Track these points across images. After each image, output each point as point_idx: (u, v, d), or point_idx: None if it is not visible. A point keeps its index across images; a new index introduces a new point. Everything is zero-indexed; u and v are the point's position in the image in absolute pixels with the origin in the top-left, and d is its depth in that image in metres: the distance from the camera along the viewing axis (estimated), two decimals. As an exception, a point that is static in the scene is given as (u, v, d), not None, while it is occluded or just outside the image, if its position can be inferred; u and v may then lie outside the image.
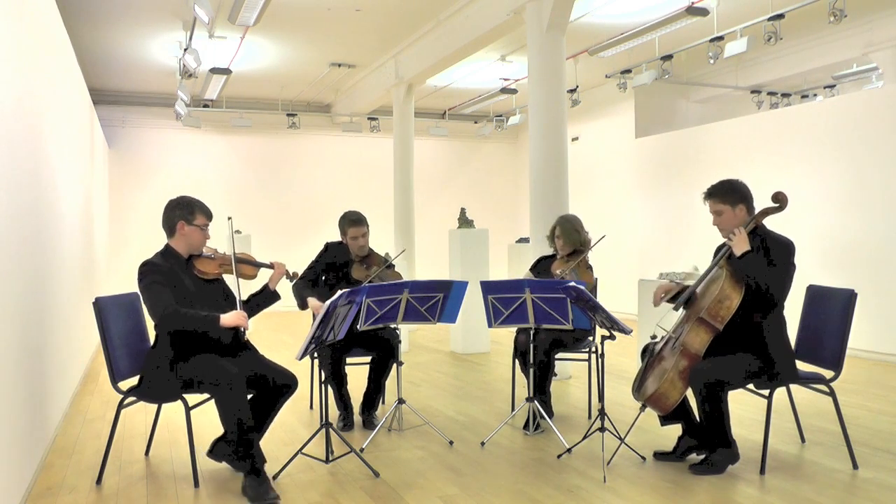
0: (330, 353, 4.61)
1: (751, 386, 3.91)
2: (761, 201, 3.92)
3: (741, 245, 3.71)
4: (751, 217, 3.84)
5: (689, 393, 3.83)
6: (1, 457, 3.06)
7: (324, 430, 3.95)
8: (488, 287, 4.42)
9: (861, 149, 7.94)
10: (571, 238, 5.03)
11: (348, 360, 4.87)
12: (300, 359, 3.75)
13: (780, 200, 3.81)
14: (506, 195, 15.53)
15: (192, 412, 3.74)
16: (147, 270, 3.69)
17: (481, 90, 12.64)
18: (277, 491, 3.51)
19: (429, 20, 9.23)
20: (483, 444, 4.42)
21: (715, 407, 3.71)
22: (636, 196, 11.56)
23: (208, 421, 3.63)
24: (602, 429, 4.02)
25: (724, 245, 3.92)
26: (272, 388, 3.82)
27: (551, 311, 4.24)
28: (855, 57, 9.76)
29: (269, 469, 3.82)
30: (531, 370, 4.54)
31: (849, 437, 3.96)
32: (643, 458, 4.04)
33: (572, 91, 10.93)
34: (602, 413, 4.09)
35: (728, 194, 3.86)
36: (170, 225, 3.84)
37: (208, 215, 3.89)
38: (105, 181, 11.53)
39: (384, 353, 4.83)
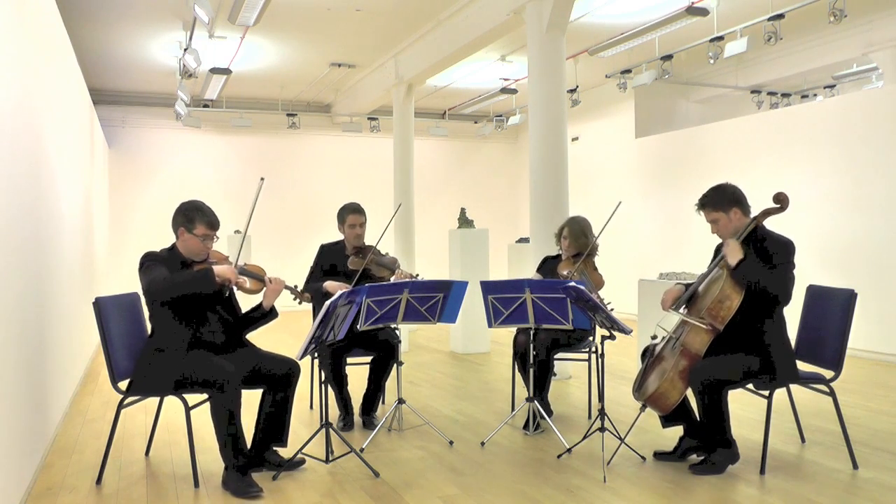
0: (330, 353, 4.61)
1: (751, 386, 3.91)
2: (762, 201, 3.92)
3: (734, 255, 3.69)
4: (751, 218, 3.84)
5: (690, 393, 3.83)
6: (1, 457, 3.06)
7: (324, 430, 3.95)
8: (488, 287, 4.42)
9: (861, 149, 7.94)
10: (578, 241, 5.03)
11: (348, 360, 4.87)
12: (300, 358, 3.76)
13: (781, 201, 3.80)
14: (506, 195, 15.53)
15: (192, 412, 3.74)
16: (148, 258, 3.73)
17: (481, 90, 12.64)
18: (278, 491, 3.50)
19: (429, 20, 9.23)
20: (483, 444, 4.42)
21: (715, 407, 3.71)
22: (636, 196, 11.55)
23: (208, 421, 3.62)
24: (602, 429, 4.02)
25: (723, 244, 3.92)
26: (277, 378, 3.85)
27: (551, 311, 4.24)
28: (855, 57, 9.77)
29: (269, 469, 3.83)
30: (531, 370, 4.54)
31: (849, 437, 3.96)
32: (643, 458, 4.04)
33: (572, 91, 10.93)
34: (602, 413, 4.09)
35: (718, 201, 3.85)
36: (174, 228, 3.85)
37: (211, 225, 3.79)
38: (105, 181, 11.53)
39: (384, 353, 4.83)
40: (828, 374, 3.89)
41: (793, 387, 4.07)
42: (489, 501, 3.46)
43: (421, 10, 8.86)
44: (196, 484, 3.67)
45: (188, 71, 9.34)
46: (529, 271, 5.65)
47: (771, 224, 3.85)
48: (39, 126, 4.46)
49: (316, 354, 4.85)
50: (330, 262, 5.03)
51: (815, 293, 4.21)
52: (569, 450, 4.19)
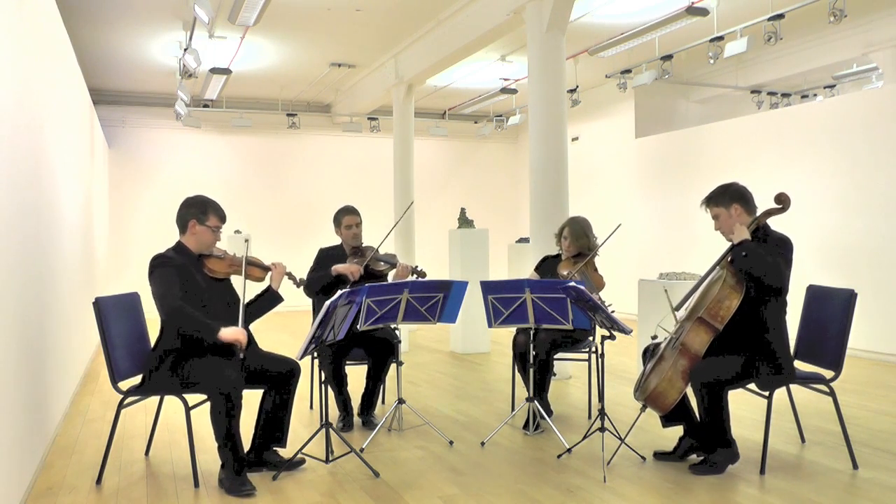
0: (330, 353, 4.61)
1: (751, 386, 3.91)
2: (762, 201, 3.93)
3: (740, 234, 3.73)
4: (753, 217, 3.85)
5: (690, 393, 3.83)
6: (1, 457, 3.06)
7: (324, 430, 3.95)
8: (488, 287, 4.42)
9: (861, 149, 7.94)
10: (579, 241, 5.03)
11: (348, 362, 4.87)
12: (300, 359, 3.77)
13: (783, 201, 3.82)
14: (506, 195, 15.53)
15: (192, 412, 3.75)
16: (159, 263, 3.75)
17: (481, 90, 12.64)
18: (277, 491, 3.51)
19: (429, 20, 9.23)
20: (483, 444, 4.42)
21: (714, 406, 3.71)
22: (636, 196, 11.55)
23: (208, 421, 3.63)
24: (602, 429, 4.02)
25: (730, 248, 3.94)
26: (278, 378, 3.86)
27: (551, 311, 4.24)
28: (855, 57, 9.76)
29: (269, 470, 3.83)
30: (531, 370, 4.54)
31: (849, 437, 3.96)
32: (643, 458, 4.04)
33: (572, 91, 10.93)
34: (602, 413, 4.09)
35: (721, 197, 3.89)
36: (183, 222, 3.89)
37: (221, 218, 3.93)
38: (105, 181, 11.53)
39: (384, 352, 4.83)
40: (828, 374, 3.89)
41: (793, 387, 4.08)
42: (489, 501, 3.46)
43: (421, 10, 8.86)
44: (196, 484, 3.67)
45: (188, 71, 9.34)
46: (529, 271, 5.65)
47: (771, 224, 3.86)
48: (40, 126, 4.46)
49: (316, 354, 4.85)
50: (329, 265, 5.03)
51: (815, 293, 4.21)
52: (569, 450, 4.19)
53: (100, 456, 3.95)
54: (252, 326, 4.12)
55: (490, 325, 4.46)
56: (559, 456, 4.15)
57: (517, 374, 5.18)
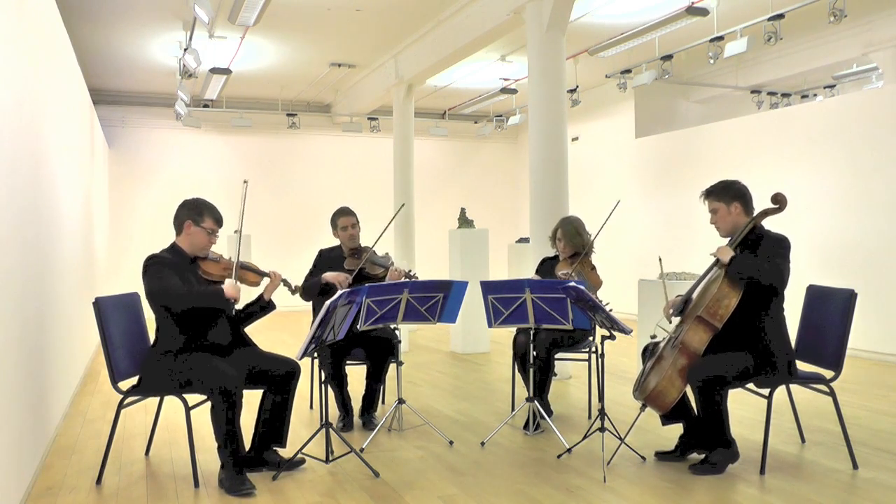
0: (330, 353, 4.61)
1: (751, 386, 3.91)
2: (761, 201, 3.93)
3: (726, 254, 3.76)
4: (750, 217, 3.86)
5: (690, 392, 3.83)
6: (1, 457, 3.06)
7: (324, 430, 3.95)
8: (488, 287, 4.42)
9: (861, 149, 7.94)
10: (573, 241, 5.03)
11: (348, 361, 4.87)
12: (300, 359, 3.77)
13: (779, 202, 3.83)
14: (506, 195, 15.53)
15: (192, 412, 3.75)
16: (153, 262, 3.76)
17: (481, 90, 12.64)
18: (277, 491, 3.50)
19: (429, 20, 9.23)
20: (483, 444, 4.42)
21: (713, 404, 3.71)
22: (636, 196, 11.55)
23: (208, 421, 3.63)
24: (602, 429, 4.01)
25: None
26: (278, 378, 3.86)
27: (551, 312, 4.24)
28: (855, 57, 9.76)
29: (269, 470, 3.83)
30: (531, 370, 4.54)
31: (849, 437, 3.96)
32: (643, 458, 4.04)
33: (572, 91, 10.93)
34: (602, 413, 4.09)
35: (722, 192, 3.91)
36: (178, 222, 3.89)
37: (217, 220, 3.93)
38: (105, 181, 11.53)
39: (384, 352, 4.83)
40: (828, 374, 3.88)
41: (793, 387, 4.08)
42: (489, 501, 3.46)
43: (421, 10, 8.86)
44: (196, 484, 3.67)
45: (188, 71, 9.34)
46: (529, 271, 5.65)
47: (770, 224, 3.86)
48: (40, 126, 4.46)
49: (316, 354, 4.85)
50: (328, 265, 5.05)
51: (815, 293, 4.21)
52: (569, 450, 4.19)
53: (100, 456, 3.95)
54: (252, 326, 4.13)
55: (490, 325, 4.46)
56: (559, 456, 4.15)
57: (517, 374, 5.18)
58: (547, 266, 5.25)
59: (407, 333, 8.42)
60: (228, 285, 3.75)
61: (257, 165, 13.90)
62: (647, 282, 6.55)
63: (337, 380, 4.77)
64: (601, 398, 4.18)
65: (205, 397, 3.73)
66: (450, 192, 15.00)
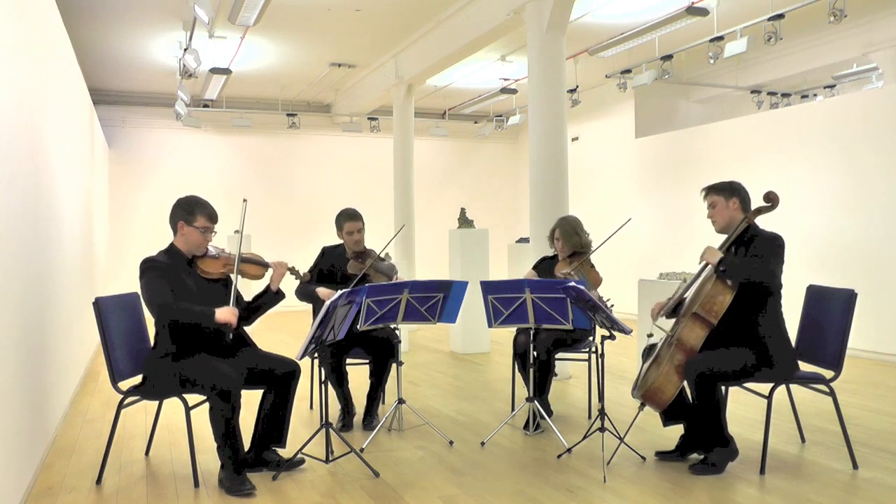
0: (330, 353, 4.61)
1: (750, 385, 3.92)
2: (759, 202, 3.94)
3: (714, 256, 3.76)
4: (743, 217, 3.89)
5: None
6: (1, 457, 3.06)
7: (324, 430, 3.95)
8: (488, 287, 4.42)
9: (861, 149, 7.94)
10: (571, 240, 5.03)
11: (348, 361, 4.87)
12: (300, 359, 3.77)
13: (771, 200, 3.87)
14: (506, 195, 15.53)
15: (192, 412, 3.75)
16: (146, 267, 3.74)
17: (481, 90, 12.64)
18: (277, 491, 3.50)
19: (429, 20, 9.23)
20: (483, 444, 4.42)
21: (710, 399, 3.72)
22: (636, 196, 11.55)
23: (208, 421, 3.63)
24: (602, 429, 4.02)
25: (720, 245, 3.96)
26: (278, 378, 3.86)
27: (551, 311, 4.24)
28: (855, 57, 9.76)
29: (269, 470, 3.83)
30: (531, 370, 4.54)
31: (849, 437, 3.96)
32: (643, 458, 4.04)
33: (572, 91, 10.93)
34: (602, 413, 4.09)
35: (724, 189, 3.96)
36: (172, 223, 3.88)
37: (211, 218, 3.87)
38: (105, 181, 11.53)
39: (384, 353, 4.83)
40: (828, 374, 3.88)
41: (793, 387, 4.08)
42: (489, 501, 3.46)
43: (421, 10, 8.86)
44: (196, 484, 3.67)
45: (188, 71, 9.34)
46: (529, 272, 5.64)
47: (769, 223, 3.88)
48: (40, 126, 4.46)
49: (316, 355, 4.85)
50: (330, 263, 5.04)
51: (814, 293, 4.21)
52: (569, 450, 4.19)
53: (100, 456, 3.95)
54: (252, 326, 4.13)
55: (490, 325, 4.46)
56: (559, 456, 4.15)
57: (517, 374, 5.18)
58: (545, 266, 5.25)
59: (407, 333, 8.42)
60: (221, 312, 3.62)
61: (257, 165, 13.90)
62: (647, 282, 6.55)
63: (337, 379, 4.77)
64: (601, 398, 4.18)
65: (205, 397, 3.73)
66: (450, 192, 15.00)
